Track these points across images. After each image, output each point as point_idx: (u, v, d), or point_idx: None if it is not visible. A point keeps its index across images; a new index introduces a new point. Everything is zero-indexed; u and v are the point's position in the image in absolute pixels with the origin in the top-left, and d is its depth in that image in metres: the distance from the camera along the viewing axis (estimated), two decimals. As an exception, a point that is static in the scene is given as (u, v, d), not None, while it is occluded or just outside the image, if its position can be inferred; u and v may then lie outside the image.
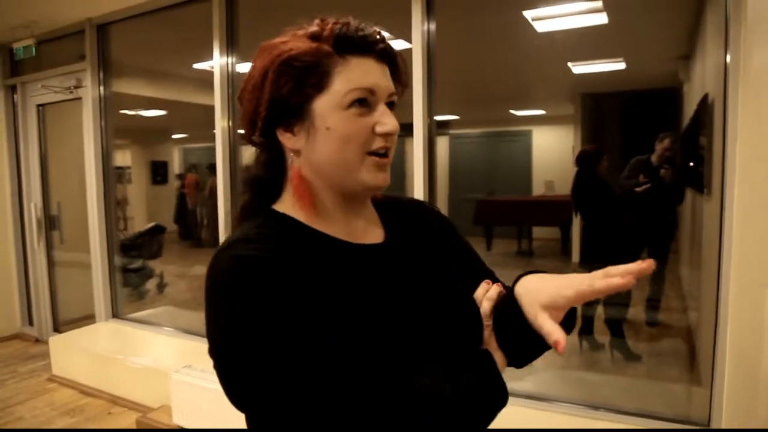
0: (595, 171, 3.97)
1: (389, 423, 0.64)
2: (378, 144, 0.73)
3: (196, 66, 5.15)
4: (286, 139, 0.74)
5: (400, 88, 0.78)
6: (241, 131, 0.80)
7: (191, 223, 8.27)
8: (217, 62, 3.19)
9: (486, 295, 0.79)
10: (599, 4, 3.58)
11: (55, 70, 3.93)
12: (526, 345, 0.74)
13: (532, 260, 7.38)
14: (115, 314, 3.90)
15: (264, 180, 0.78)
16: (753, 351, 1.80)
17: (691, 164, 4.22)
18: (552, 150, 8.80)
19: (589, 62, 5.31)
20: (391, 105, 0.76)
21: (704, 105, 3.04)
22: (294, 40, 0.73)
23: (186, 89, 5.95)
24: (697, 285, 3.63)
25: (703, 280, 3.09)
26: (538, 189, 8.88)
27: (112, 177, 3.88)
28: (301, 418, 0.65)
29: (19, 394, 3.35)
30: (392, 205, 0.88)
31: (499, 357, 0.75)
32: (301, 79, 0.71)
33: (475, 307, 0.78)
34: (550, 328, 0.67)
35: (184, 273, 6.55)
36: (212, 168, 8.70)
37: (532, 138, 9.37)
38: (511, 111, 8.88)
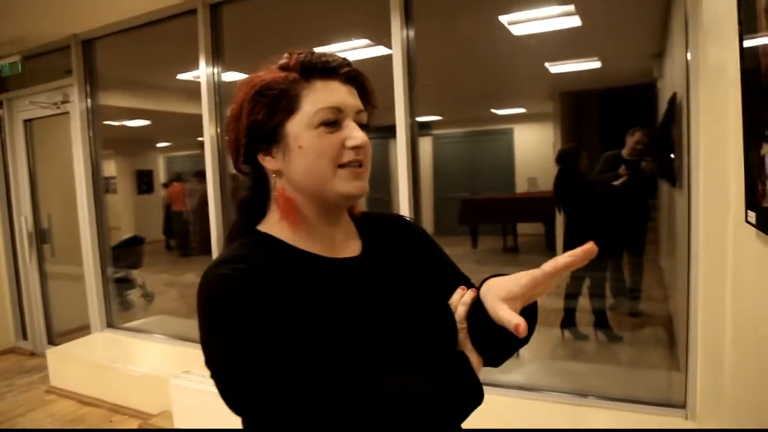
0: (575, 168, 4.11)
1: (366, 422, 0.70)
2: (348, 157, 0.79)
3: (180, 77, 5.22)
4: (266, 162, 0.82)
5: (369, 108, 0.86)
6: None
7: (179, 232, 8.27)
8: (203, 72, 3.27)
9: (461, 300, 0.84)
10: (571, 8, 3.71)
11: (42, 86, 3.98)
12: (498, 343, 0.80)
13: (517, 256, 7.49)
14: (110, 324, 3.96)
15: (250, 203, 0.86)
16: (718, 338, 1.91)
17: (672, 156, 4.37)
18: (534, 147, 8.92)
19: (565, 62, 5.45)
20: (363, 126, 0.83)
21: (674, 101, 3.17)
22: (266, 74, 0.82)
23: (170, 99, 6.00)
24: (673, 275, 3.77)
25: (677, 270, 3.22)
26: (521, 186, 9.00)
27: (102, 188, 3.93)
28: (286, 419, 0.70)
29: (19, 407, 3.40)
30: (371, 221, 0.95)
31: (474, 358, 0.79)
32: (273, 105, 0.79)
33: (448, 312, 0.84)
34: (507, 315, 0.71)
35: (175, 282, 6.59)
36: (199, 175, 8.73)
37: (513, 136, 9.49)
38: (493, 110, 8.99)
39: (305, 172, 0.80)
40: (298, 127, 0.79)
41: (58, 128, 4.09)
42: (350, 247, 0.89)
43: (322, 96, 0.79)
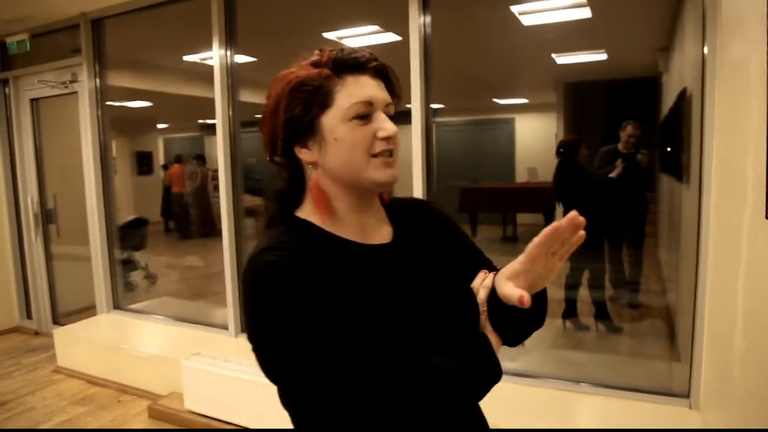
0: (574, 160, 4.14)
1: (400, 398, 0.75)
2: (380, 147, 0.84)
3: (187, 58, 5.20)
4: (303, 154, 0.87)
5: (395, 99, 0.90)
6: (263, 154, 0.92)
7: (178, 214, 8.25)
8: (216, 54, 3.26)
9: (483, 283, 0.90)
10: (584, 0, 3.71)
11: (50, 64, 3.95)
12: (515, 325, 0.87)
13: (516, 245, 7.53)
14: (116, 305, 3.98)
15: (288, 192, 0.91)
16: (727, 329, 1.96)
17: (669, 149, 4.40)
18: (535, 137, 8.94)
19: (573, 53, 5.46)
20: (390, 116, 0.88)
21: (683, 96, 3.19)
22: (299, 70, 0.86)
23: (174, 81, 5.97)
24: (676, 268, 3.82)
25: (681, 263, 3.27)
26: (521, 176, 9.03)
27: (111, 169, 3.93)
28: (325, 392, 0.76)
29: (27, 386, 3.42)
30: (400, 206, 1.00)
31: (494, 338, 0.86)
32: (309, 100, 0.83)
33: (471, 296, 0.89)
34: (509, 290, 0.80)
35: (175, 264, 6.61)
36: (199, 158, 8.67)
37: (515, 126, 9.51)
38: (495, 99, 8.99)
39: (341, 163, 0.84)
40: (333, 120, 0.83)
41: (65, 108, 4.07)
42: (382, 233, 0.93)
43: (355, 90, 0.84)
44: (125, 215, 5.67)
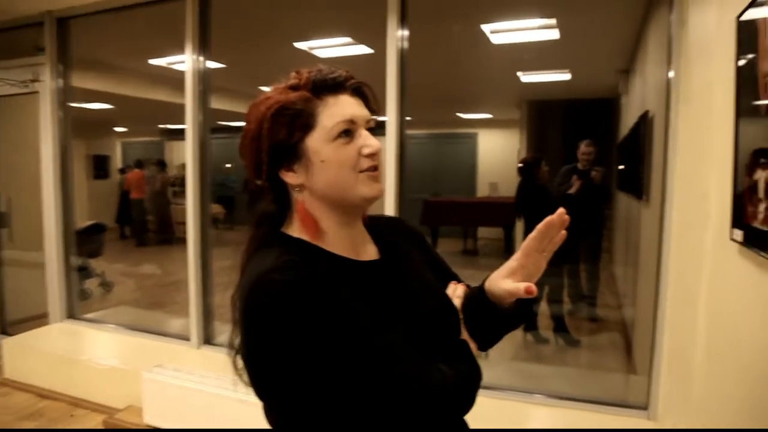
0: (535, 177, 4.26)
1: (414, 407, 0.76)
2: (367, 163, 0.85)
3: (153, 62, 5.09)
4: (289, 177, 0.86)
5: (373, 115, 0.92)
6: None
7: (136, 220, 8.02)
8: (188, 60, 3.19)
9: (455, 293, 0.97)
10: (553, 21, 3.83)
11: (10, 61, 3.79)
12: (491, 330, 0.94)
13: (476, 259, 7.66)
14: (70, 314, 3.82)
15: (274, 214, 0.90)
16: (687, 343, 2.04)
17: (626, 167, 4.57)
18: (497, 153, 9.13)
19: (538, 72, 5.61)
20: (370, 130, 0.89)
21: (645, 118, 3.32)
22: (278, 94, 0.86)
23: (138, 84, 5.84)
24: (632, 283, 3.95)
25: (640, 279, 3.38)
26: (482, 191, 9.19)
27: (70, 172, 3.80)
28: (342, 412, 0.76)
29: (-30, 398, 3.24)
30: (377, 223, 1.01)
31: (472, 344, 0.91)
32: (292, 124, 0.83)
33: (453, 305, 0.95)
34: (512, 285, 0.85)
35: (132, 272, 6.41)
36: (159, 164, 8.47)
37: (478, 141, 9.68)
38: (459, 114, 9.13)
39: (329, 183, 0.85)
40: (318, 141, 0.84)
41: (23, 107, 3.90)
42: (369, 250, 0.94)
43: (336, 110, 0.84)
44: (79, 220, 5.47)
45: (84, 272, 4.64)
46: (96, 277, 5.02)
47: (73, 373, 3.22)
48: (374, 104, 0.91)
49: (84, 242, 4.58)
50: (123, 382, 2.99)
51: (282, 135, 0.83)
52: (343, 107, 0.85)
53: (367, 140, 0.85)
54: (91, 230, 4.98)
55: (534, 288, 0.83)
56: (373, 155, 0.85)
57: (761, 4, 1.33)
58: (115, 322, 3.73)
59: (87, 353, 3.32)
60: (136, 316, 4.43)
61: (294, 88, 0.86)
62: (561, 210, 0.84)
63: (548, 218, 0.85)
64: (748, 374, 1.39)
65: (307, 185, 0.86)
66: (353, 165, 0.84)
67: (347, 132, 0.84)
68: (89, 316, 3.89)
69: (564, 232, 0.86)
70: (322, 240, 0.88)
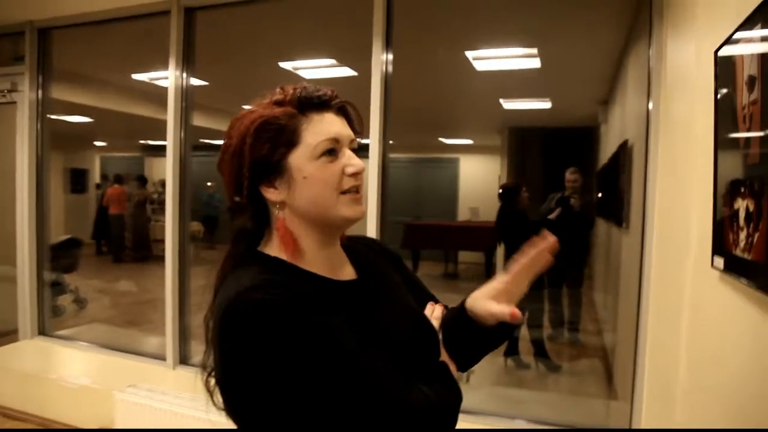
0: (515, 203, 4.31)
1: (394, 428, 0.76)
2: (349, 184, 0.84)
3: (136, 77, 5.06)
4: (270, 194, 0.84)
5: (357, 135, 0.92)
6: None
7: (115, 236, 7.88)
8: (172, 76, 3.17)
9: (433, 315, 0.96)
10: (534, 51, 3.92)
11: (-12, 71, 3.73)
12: (471, 350, 0.93)
13: (457, 282, 7.67)
14: (42, 331, 3.70)
15: (252, 232, 0.89)
16: (670, 369, 2.05)
17: (604, 195, 4.65)
18: (478, 178, 9.23)
19: (519, 100, 5.72)
20: (353, 150, 0.89)
21: (624, 149, 3.39)
22: (262, 109, 0.85)
23: (119, 98, 5.80)
24: (612, 309, 3.99)
25: (621, 305, 3.42)
26: (463, 215, 9.27)
27: (46, 185, 3.72)
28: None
29: (-68, 419, 3.11)
30: (353, 244, 1.00)
31: (451, 365, 0.90)
32: (275, 139, 0.82)
33: (431, 325, 0.94)
34: (498, 308, 0.85)
35: (107, 289, 6.28)
36: (140, 180, 8.37)
37: (459, 166, 9.80)
38: (441, 139, 9.24)
39: (310, 201, 0.84)
40: (301, 159, 0.83)
41: (-1, 118, 3.84)
42: (346, 270, 0.93)
43: (321, 128, 0.84)
44: (54, 235, 5.36)
45: (57, 288, 4.53)
46: (69, 293, 4.89)
47: (41, 392, 3.11)
48: (358, 125, 0.91)
49: (58, 257, 4.48)
50: (95, 402, 2.90)
51: (265, 150, 0.82)
52: (328, 125, 0.84)
53: (350, 160, 0.85)
54: (66, 245, 4.87)
55: (519, 314, 0.83)
56: (356, 175, 0.85)
57: (736, 42, 1.37)
58: (88, 339, 3.63)
59: (58, 371, 3.22)
60: (110, 334, 4.33)
61: (279, 103, 0.85)
62: (550, 236, 0.85)
63: (538, 244, 0.85)
64: (730, 399, 1.40)
65: (288, 202, 0.85)
66: (336, 184, 0.84)
67: (331, 151, 0.84)
68: (61, 333, 3.78)
69: (550, 256, 0.87)
70: (301, 259, 0.86)
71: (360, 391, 0.73)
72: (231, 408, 0.79)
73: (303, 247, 0.87)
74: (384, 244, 1.12)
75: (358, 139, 0.90)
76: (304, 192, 0.83)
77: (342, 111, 0.89)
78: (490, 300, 0.87)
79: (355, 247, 0.99)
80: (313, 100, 0.85)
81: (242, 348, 0.73)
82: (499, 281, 0.88)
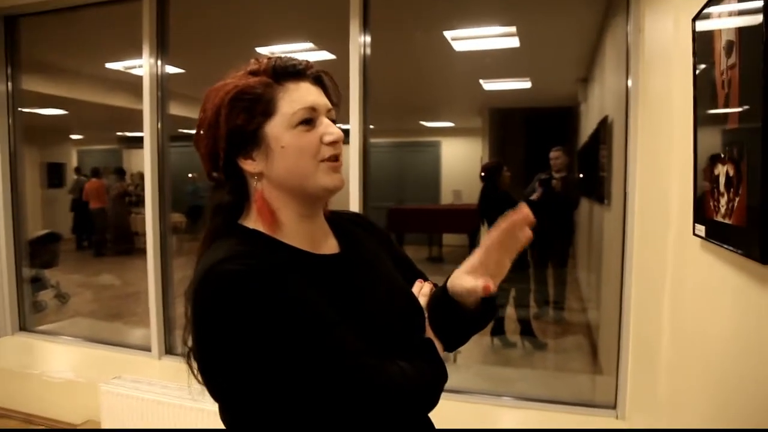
0: (496, 183, 4.32)
1: (370, 401, 0.75)
2: (327, 152, 0.83)
3: (110, 65, 4.95)
4: (248, 165, 0.83)
5: (335, 106, 0.90)
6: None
7: (97, 229, 7.76)
8: (146, 64, 3.11)
9: (421, 292, 0.96)
10: (513, 29, 3.90)
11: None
12: (456, 330, 0.91)
13: (442, 266, 7.70)
14: (23, 327, 3.65)
15: (231, 204, 0.87)
16: (653, 342, 2.08)
17: (581, 175, 4.68)
18: (460, 161, 9.24)
19: (499, 80, 5.71)
20: (331, 120, 0.87)
21: (604, 125, 3.40)
22: (236, 79, 0.84)
23: (94, 89, 5.67)
24: (596, 287, 4.03)
25: (604, 281, 3.45)
26: (446, 198, 9.28)
27: (21, 179, 3.64)
28: (305, 407, 0.74)
29: None
30: (340, 218, 0.99)
31: (437, 343, 0.89)
32: (251, 109, 0.81)
33: (418, 303, 0.93)
34: (471, 282, 0.85)
35: (89, 283, 6.20)
36: (119, 172, 8.25)
37: (441, 149, 9.79)
38: (422, 122, 9.21)
39: (289, 170, 0.83)
40: (278, 128, 0.81)
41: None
42: (328, 243, 0.92)
43: (297, 97, 0.83)
44: (33, 230, 5.26)
45: (38, 283, 4.45)
46: (51, 289, 4.82)
47: (25, 388, 3.07)
48: (335, 95, 0.90)
49: (37, 252, 4.40)
50: (80, 396, 2.87)
51: (240, 120, 0.80)
52: (305, 94, 0.83)
53: (328, 128, 0.84)
54: (45, 240, 4.79)
55: (491, 285, 0.83)
56: (334, 143, 0.84)
57: (707, 17, 1.37)
58: (71, 334, 3.59)
59: (41, 367, 3.18)
60: (93, 327, 4.29)
61: (254, 73, 0.84)
62: (525, 209, 0.83)
63: (511, 217, 0.84)
64: (714, 368, 1.42)
65: (266, 173, 0.83)
66: (314, 153, 0.83)
67: (308, 120, 0.82)
68: (43, 328, 3.73)
69: (530, 231, 0.85)
70: (280, 232, 0.85)
71: (330, 363, 0.72)
72: (207, 380, 0.78)
73: (282, 219, 0.85)
74: (371, 220, 1.10)
75: (335, 108, 0.88)
76: (281, 162, 0.82)
77: (318, 81, 0.87)
78: (465, 275, 0.87)
79: (341, 222, 0.98)
80: (289, 69, 0.84)
81: (215, 318, 0.73)
82: (473, 255, 0.87)
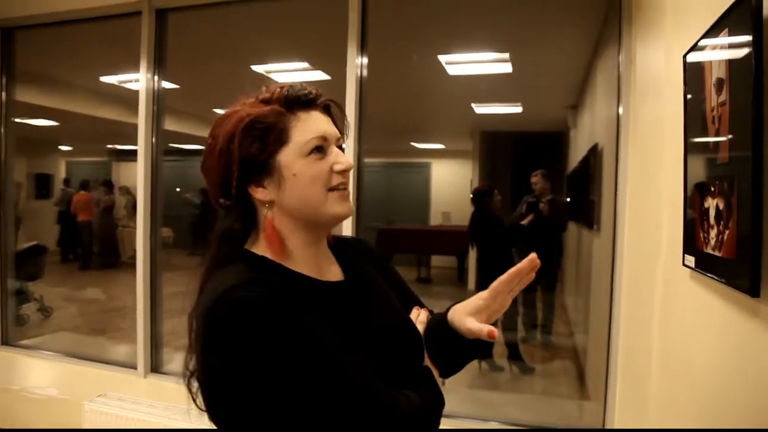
0: (487, 207, 4.36)
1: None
2: (337, 180, 0.85)
3: (104, 79, 4.96)
4: (259, 193, 0.84)
5: (342, 134, 0.92)
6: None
7: (80, 243, 7.67)
8: (143, 79, 3.11)
9: (418, 319, 0.97)
10: (506, 56, 3.97)
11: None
12: (453, 359, 0.92)
13: (430, 287, 7.70)
14: (5, 341, 3.57)
15: (239, 232, 0.87)
16: (642, 368, 2.09)
17: (568, 199, 4.74)
18: (450, 182, 9.30)
19: (491, 104, 5.79)
20: (340, 148, 0.89)
21: (594, 151, 3.46)
22: (248, 107, 0.85)
23: (87, 101, 5.66)
24: (583, 312, 4.05)
25: (592, 306, 3.48)
26: (435, 219, 9.32)
27: (12, 192, 3.60)
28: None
29: None
30: (341, 244, 1.00)
31: (434, 370, 0.90)
32: (264, 137, 0.82)
33: (417, 331, 0.94)
34: (476, 326, 0.85)
35: (73, 296, 6.11)
36: (107, 185, 8.18)
37: (431, 170, 9.85)
38: (413, 143, 9.28)
39: (300, 198, 0.84)
40: (291, 156, 0.82)
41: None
42: (333, 270, 0.93)
43: (309, 126, 0.84)
44: (17, 240, 5.19)
45: (21, 296, 4.38)
46: (34, 302, 4.74)
47: (6, 405, 3.01)
48: (341, 124, 0.91)
49: (23, 264, 4.34)
50: (63, 413, 2.82)
51: (254, 149, 0.81)
52: (316, 123, 0.85)
53: (338, 157, 0.86)
54: (31, 252, 4.72)
55: (495, 333, 0.83)
56: (344, 172, 0.85)
57: (703, 48, 1.41)
58: (54, 349, 3.51)
59: (22, 383, 3.11)
60: (77, 342, 4.22)
61: (266, 101, 0.85)
62: (533, 255, 0.85)
63: (519, 265, 0.85)
64: (701, 397, 1.44)
65: (277, 201, 0.84)
66: (324, 181, 0.84)
67: (320, 148, 0.84)
68: (25, 342, 3.65)
69: (533, 274, 0.87)
70: (288, 259, 0.86)
71: (342, 392, 0.73)
72: (213, 408, 0.78)
73: (290, 246, 0.86)
74: (370, 244, 1.11)
75: (343, 137, 0.90)
76: (293, 190, 0.83)
77: (327, 110, 0.89)
78: (469, 317, 0.87)
79: (343, 248, 0.99)
80: (300, 98, 0.85)
81: (226, 346, 0.73)
82: (480, 298, 0.88)
